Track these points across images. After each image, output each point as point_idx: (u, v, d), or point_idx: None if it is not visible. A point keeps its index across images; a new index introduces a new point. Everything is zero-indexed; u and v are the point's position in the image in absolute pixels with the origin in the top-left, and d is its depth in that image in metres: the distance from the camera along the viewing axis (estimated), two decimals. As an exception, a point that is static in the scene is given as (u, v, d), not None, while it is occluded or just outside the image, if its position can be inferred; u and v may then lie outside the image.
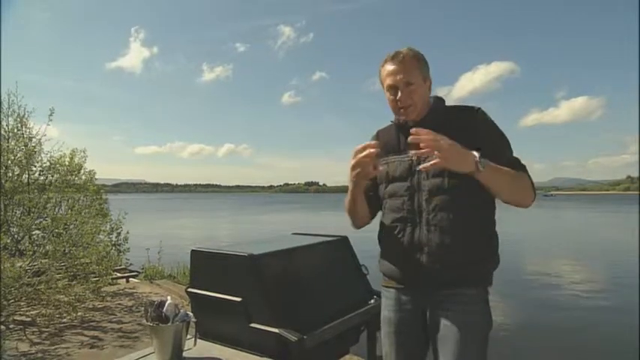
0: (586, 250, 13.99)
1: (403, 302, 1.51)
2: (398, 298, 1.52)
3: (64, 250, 4.55)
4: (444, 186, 1.39)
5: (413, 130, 1.26)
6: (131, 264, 7.74)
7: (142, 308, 2.20)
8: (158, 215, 38.60)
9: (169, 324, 1.48)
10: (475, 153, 1.26)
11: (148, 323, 1.47)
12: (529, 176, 1.41)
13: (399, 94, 1.43)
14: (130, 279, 6.66)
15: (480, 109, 1.45)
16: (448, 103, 1.56)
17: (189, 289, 1.78)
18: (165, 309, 1.53)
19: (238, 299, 1.58)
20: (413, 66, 1.43)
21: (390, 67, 1.44)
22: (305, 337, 1.46)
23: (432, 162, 1.24)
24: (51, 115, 5.53)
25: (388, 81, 1.45)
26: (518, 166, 1.40)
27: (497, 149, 1.39)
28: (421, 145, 1.23)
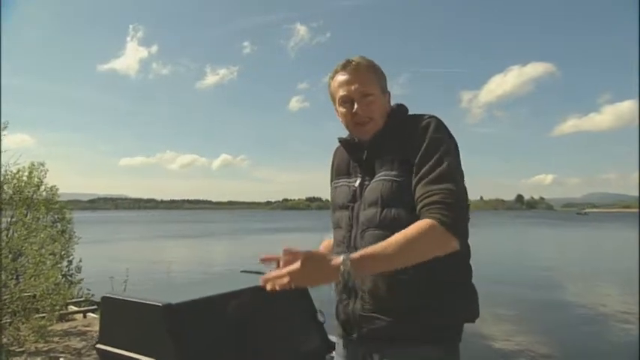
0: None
1: (351, 356, 1.24)
2: (346, 348, 1.26)
3: (5, 283, 4.08)
4: (376, 219, 1.15)
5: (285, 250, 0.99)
6: (93, 295, 7.14)
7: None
8: (131, 236, 36.76)
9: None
10: (341, 257, 0.98)
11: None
12: (447, 209, 1.05)
13: (355, 106, 1.21)
14: (89, 313, 6.10)
15: (432, 117, 1.20)
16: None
17: (98, 346, 1.44)
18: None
19: (150, 362, 1.24)
20: (369, 76, 1.23)
21: (342, 77, 1.23)
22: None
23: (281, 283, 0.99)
24: (4, 128, 5.20)
25: (341, 92, 1.23)
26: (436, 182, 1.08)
27: (422, 157, 1.13)
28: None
